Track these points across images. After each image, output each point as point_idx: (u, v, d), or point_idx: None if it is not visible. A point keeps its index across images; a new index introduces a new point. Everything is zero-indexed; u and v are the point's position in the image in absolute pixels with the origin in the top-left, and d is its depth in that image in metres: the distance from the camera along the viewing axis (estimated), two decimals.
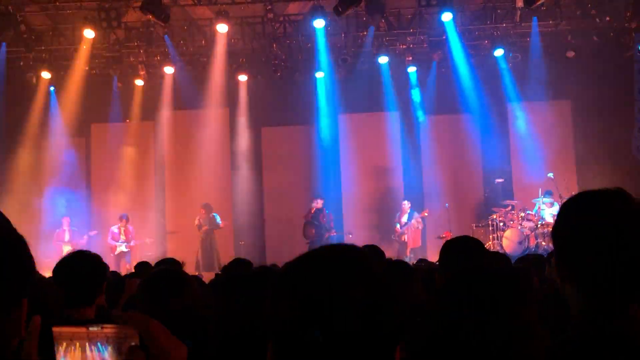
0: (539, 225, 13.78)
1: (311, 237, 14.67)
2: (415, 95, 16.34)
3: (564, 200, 1.85)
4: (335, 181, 16.37)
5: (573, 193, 1.86)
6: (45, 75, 15.49)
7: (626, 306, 1.59)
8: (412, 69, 16.10)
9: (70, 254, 3.31)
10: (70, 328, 1.22)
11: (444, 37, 14.83)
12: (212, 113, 16.27)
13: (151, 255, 14.39)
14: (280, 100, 16.18)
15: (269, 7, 14.27)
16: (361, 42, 15.33)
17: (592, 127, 14.92)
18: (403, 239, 14.99)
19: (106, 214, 15.52)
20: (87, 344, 1.22)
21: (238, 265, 4.44)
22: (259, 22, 15.03)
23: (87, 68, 15.42)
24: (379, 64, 15.77)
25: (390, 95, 16.28)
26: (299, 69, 16.15)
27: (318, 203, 14.78)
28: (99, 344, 1.22)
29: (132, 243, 14.96)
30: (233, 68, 15.81)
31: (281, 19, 14.99)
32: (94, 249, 3.95)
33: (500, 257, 3.93)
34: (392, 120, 16.56)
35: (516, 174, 15.98)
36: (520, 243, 13.67)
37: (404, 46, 15.60)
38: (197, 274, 11.51)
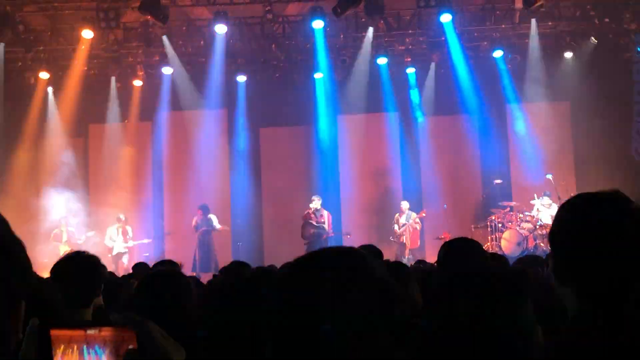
0: (537, 227, 13.79)
1: (309, 238, 14.65)
2: (414, 96, 16.34)
3: (563, 201, 1.86)
4: (334, 182, 16.36)
5: (572, 194, 1.86)
6: (44, 75, 15.49)
7: (623, 307, 1.59)
8: (411, 70, 16.10)
9: (67, 254, 3.31)
10: (68, 331, 1.22)
11: (443, 38, 14.84)
12: (211, 114, 16.27)
13: (149, 256, 14.40)
14: (278, 101, 16.17)
15: (268, 7, 14.27)
16: (360, 43, 15.33)
17: (590, 128, 14.94)
18: (402, 240, 14.99)
19: (104, 215, 15.49)
20: (84, 347, 1.22)
21: (236, 267, 4.44)
22: (258, 23, 15.03)
23: (85, 68, 15.41)
24: (377, 64, 15.77)
25: (389, 96, 16.28)
26: (297, 70, 16.15)
27: (316, 204, 14.77)
28: (96, 346, 1.21)
29: (130, 244, 14.95)
30: (232, 69, 15.80)
31: (280, 19, 14.99)
32: (92, 250, 3.95)
33: (499, 259, 3.94)
34: (391, 121, 16.57)
35: (515, 175, 15.99)
36: (518, 244, 13.68)
37: (403, 47, 15.61)
38: (194, 274, 11.52)
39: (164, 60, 15.53)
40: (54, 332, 1.23)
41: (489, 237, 14.31)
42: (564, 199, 1.56)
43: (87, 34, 14.16)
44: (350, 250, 1.33)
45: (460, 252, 3.34)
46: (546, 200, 14.06)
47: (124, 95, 16.32)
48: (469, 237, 3.73)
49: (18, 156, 15.59)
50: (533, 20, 14.58)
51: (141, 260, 10.68)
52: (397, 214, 15.22)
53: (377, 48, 15.38)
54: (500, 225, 14.28)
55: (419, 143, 16.47)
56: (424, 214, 15.03)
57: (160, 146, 16.77)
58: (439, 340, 1.56)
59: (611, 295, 1.60)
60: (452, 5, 13.84)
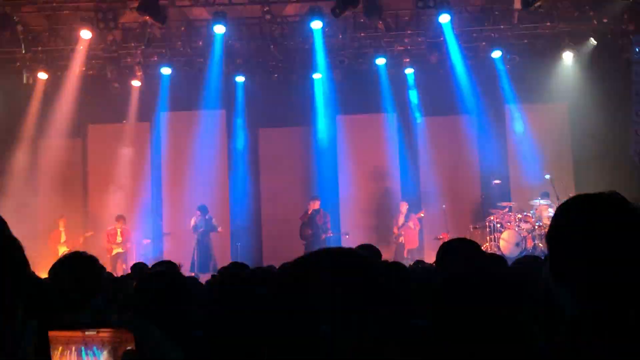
0: (536, 227, 13.79)
1: (308, 238, 14.66)
2: (413, 96, 16.35)
3: (561, 202, 1.86)
4: (333, 182, 16.36)
5: (570, 195, 1.87)
6: (42, 75, 15.48)
7: (619, 309, 1.59)
8: (409, 71, 16.11)
9: (66, 255, 3.30)
10: (66, 332, 1.22)
11: (441, 39, 14.84)
12: (209, 114, 16.27)
13: (148, 256, 14.40)
14: (277, 101, 16.16)
15: (267, 8, 14.26)
16: (359, 43, 15.34)
17: (589, 129, 14.95)
18: (400, 241, 15.00)
19: (103, 215, 15.50)
20: (82, 348, 1.22)
21: (235, 269, 4.44)
22: (257, 24, 15.03)
23: (83, 69, 15.40)
24: (376, 65, 15.79)
25: (388, 97, 16.29)
26: (296, 70, 16.15)
27: (315, 204, 14.77)
28: (94, 347, 1.21)
29: (128, 244, 14.95)
30: (230, 69, 15.80)
31: (279, 20, 14.99)
32: (91, 250, 3.94)
33: (497, 259, 3.93)
34: (390, 121, 16.56)
35: (513, 176, 15.99)
36: (517, 245, 13.68)
37: (402, 48, 15.61)
38: (192, 275, 11.52)
39: (163, 60, 15.52)
40: (52, 334, 1.23)
41: (488, 238, 14.31)
42: (563, 199, 1.56)
43: (86, 34, 14.17)
44: (349, 251, 1.33)
45: (458, 252, 3.35)
46: (545, 200, 14.07)
47: (123, 96, 16.30)
48: (468, 237, 3.73)
49: (16, 157, 15.57)
50: (532, 21, 14.58)
51: (140, 260, 10.69)
52: (396, 214, 15.23)
53: (376, 48, 15.39)
54: (499, 225, 14.28)
55: (417, 143, 16.47)
56: (422, 215, 15.03)
57: (159, 147, 16.77)
58: (437, 340, 1.56)
59: (608, 296, 1.60)
60: (451, 6, 13.85)
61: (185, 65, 15.78)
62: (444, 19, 14.07)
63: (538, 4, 12.87)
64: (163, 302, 3.18)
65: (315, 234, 14.59)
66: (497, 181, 15.07)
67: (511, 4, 14.23)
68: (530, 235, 13.78)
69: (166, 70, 15.76)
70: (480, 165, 16.05)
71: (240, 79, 16.26)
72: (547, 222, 13.44)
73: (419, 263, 7.46)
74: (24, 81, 15.49)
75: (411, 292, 3.69)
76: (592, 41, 14.86)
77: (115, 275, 11.81)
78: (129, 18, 14.38)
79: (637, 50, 14.23)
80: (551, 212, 13.60)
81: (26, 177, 15.45)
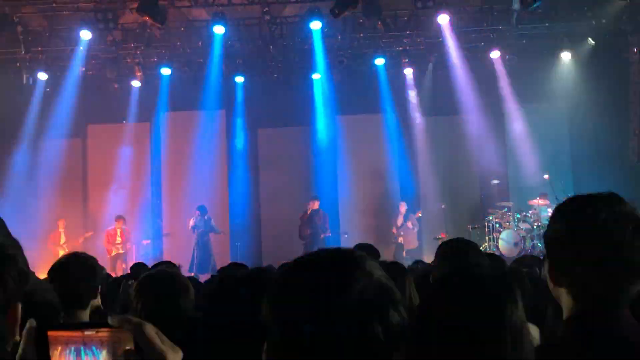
0: (534, 227, 13.80)
1: (307, 238, 14.67)
2: (412, 96, 16.36)
3: (559, 202, 1.86)
4: (332, 182, 16.36)
5: (569, 195, 1.87)
6: (42, 76, 15.49)
7: (617, 309, 1.60)
8: (408, 71, 16.11)
9: (65, 256, 3.31)
10: (65, 332, 1.23)
11: (440, 39, 14.85)
12: (209, 114, 16.28)
13: (147, 256, 14.40)
14: (276, 101, 16.17)
15: (266, 8, 14.27)
16: (358, 43, 15.35)
17: (588, 129, 14.96)
18: (399, 241, 15.01)
19: (102, 216, 15.50)
20: (81, 348, 1.22)
21: (233, 269, 4.44)
22: (256, 24, 15.04)
23: (83, 69, 15.40)
24: (375, 65, 15.79)
25: (387, 97, 16.29)
26: (295, 71, 16.16)
27: (314, 204, 14.78)
28: (93, 347, 1.22)
29: (128, 245, 14.95)
30: (230, 69, 15.82)
31: (278, 20, 14.99)
32: (90, 251, 3.95)
33: (495, 259, 3.95)
34: (389, 121, 16.56)
35: (512, 176, 15.99)
36: (516, 244, 13.69)
37: (401, 48, 15.61)
38: (192, 275, 11.51)
39: (162, 61, 15.53)
40: (51, 334, 1.23)
41: (487, 237, 14.32)
42: (561, 199, 1.57)
43: (86, 34, 14.18)
44: (348, 251, 1.34)
45: (457, 252, 3.36)
46: (543, 200, 14.08)
47: (122, 96, 16.31)
48: (467, 237, 3.74)
49: (16, 157, 15.57)
50: (530, 21, 14.59)
51: (139, 261, 10.69)
52: (395, 215, 15.24)
53: (375, 49, 15.39)
54: (497, 225, 14.29)
55: (416, 143, 16.47)
56: (419, 214, 15.04)
57: (159, 147, 16.78)
58: (434, 341, 1.56)
59: (605, 297, 1.60)
60: (450, 6, 13.85)
61: (184, 66, 15.78)
62: (443, 19, 14.09)
63: (536, 4, 12.86)
64: (162, 303, 3.19)
65: (314, 234, 14.60)
66: (495, 181, 15.08)
67: (510, 4, 14.22)
68: (529, 235, 13.79)
69: (166, 71, 15.77)
70: (479, 165, 16.04)
71: (239, 79, 16.27)
72: (546, 222, 13.43)
73: (418, 263, 7.48)
74: (24, 82, 15.50)
75: (410, 293, 3.69)
76: (591, 41, 14.87)
77: (114, 275, 11.82)
78: (128, 19, 14.39)
79: (635, 50, 14.24)
80: (550, 212, 13.60)
81: (26, 177, 15.45)
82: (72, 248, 13.63)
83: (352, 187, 16.33)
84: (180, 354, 1.25)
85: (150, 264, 6.82)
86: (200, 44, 15.32)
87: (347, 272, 1.25)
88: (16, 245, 1.32)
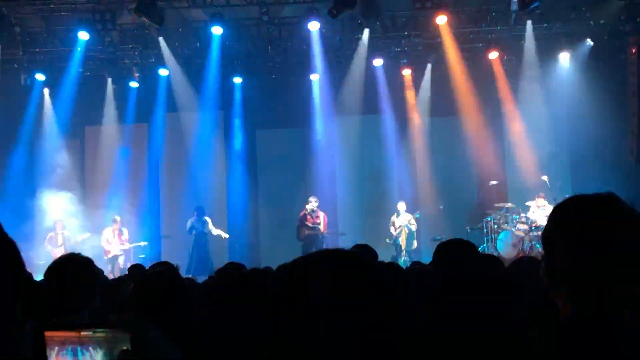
0: (533, 228, 13.80)
1: (304, 239, 14.65)
2: (410, 97, 16.36)
3: (558, 203, 1.86)
4: (330, 183, 16.35)
5: (567, 196, 1.87)
6: (40, 77, 15.49)
7: (615, 311, 1.59)
8: (406, 72, 16.12)
9: (61, 257, 3.30)
10: (62, 332, 1.22)
11: (438, 40, 14.86)
12: (207, 115, 16.28)
13: (145, 257, 14.39)
14: (275, 102, 16.17)
15: (264, 9, 14.27)
16: (356, 44, 15.34)
17: (586, 129, 14.95)
18: (398, 241, 14.99)
19: (100, 217, 15.47)
20: (78, 348, 1.22)
21: (231, 269, 4.44)
22: (254, 25, 15.04)
23: (81, 70, 15.40)
24: (373, 66, 15.80)
25: (385, 98, 16.30)
26: (293, 72, 16.15)
27: (313, 204, 14.77)
28: (90, 347, 1.22)
29: (126, 246, 14.93)
30: (228, 70, 15.81)
31: (276, 21, 14.99)
32: (88, 252, 3.94)
33: (493, 260, 3.94)
34: (387, 122, 16.56)
35: (510, 176, 16.00)
36: (514, 245, 13.69)
37: (399, 49, 15.63)
38: (190, 276, 11.51)
39: (160, 61, 15.52)
40: (49, 334, 1.23)
41: (485, 238, 14.32)
42: (560, 200, 1.56)
43: (83, 35, 14.18)
44: (348, 252, 1.34)
45: (454, 253, 3.35)
46: (542, 201, 14.08)
47: (120, 97, 16.31)
48: (465, 238, 3.74)
49: (14, 158, 15.56)
50: (528, 22, 14.60)
51: (137, 262, 10.67)
52: (393, 215, 15.23)
53: (373, 50, 15.39)
54: (496, 226, 14.29)
55: (414, 144, 16.48)
56: (417, 215, 15.04)
57: (157, 148, 16.76)
58: (433, 341, 1.56)
59: (603, 298, 1.60)
60: (448, 7, 13.86)
61: (182, 66, 15.77)
62: (441, 20, 14.09)
63: (534, 4, 12.87)
64: (161, 303, 3.18)
65: (313, 235, 14.59)
66: (494, 182, 15.07)
67: (508, 5, 14.23)
68: (527, 236, 13.78)
69: (164, 72, 15.76)
70: (477, 166, 16.04)
71: (237, 80, 16.27)
72: (544, 223, 13.43)
73: (416, 264, 7.45)
74: (22, 82, 15.49)
75: (408, 293, 3.70)
76: (589, 42, 14.88)
77: (112, 276, 11.82)
78: (126, 19, 14.37)
79: (633, 51, 14.25)
80: (548, 213, 13.58)
81: (23, 178, 15.43)
82: (70, 249, 13.61)
83: (351, 188, 16.33)
84: (178, 354, 1.24)
85: (147, 265, 6.81)
86: (198, 44, 15.32)
87: (348, 274, 1.25)
88: (13, 246, 1.32)
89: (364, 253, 4.46)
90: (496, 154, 16.00)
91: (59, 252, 14.02)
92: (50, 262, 3.40)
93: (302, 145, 16.59)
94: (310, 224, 14.60)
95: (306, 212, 14.72)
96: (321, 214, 14.74)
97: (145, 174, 16.74)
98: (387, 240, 14.98)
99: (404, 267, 7.38)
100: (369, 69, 15.84)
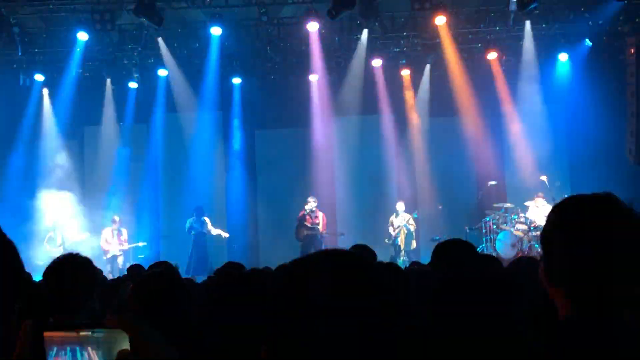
0: (532, 228, 13.80)
1: (303, 239, 14.67)
2: (409, 98, 16.36)
3: (556, 203, 1.86)
4: (329, 183, 16.36)
5: (566, 196, 1.87)
6: (39, 77, 15.48)
7: (615, 311, 1.60)
8: (405, 72, 16.12)
9: (60, 257, 3.30)
10: (61, 333, 1.23)
11: (437, 40, 14.86)
12: (206, 115, 16.27)
13: (144, 258, 14.39)
14: (274, 102, 16.18)
15: (263, 10, 14.27)
16: (355, 45, 15.34)
17: (585, 130, 14.97)
18: (397, 241, 15.00)
19: (99, 217, 15.47)
20: (77, 348, 1.22)
21: (230, 269, 4.44)
22: (253, 25, 15.03)
23: (80, 70, 15.39)
24: (372, 66, 15.80)
25: (384, 98, 16.30)
26: (292, 72, 16.15)
27: (311, 204, 14.78)
28: (89, 348, 1.22)
29: (125, 246, 14.93)
30: (227, 71, 15.81)
31: (275, 22, 14.99)
32: (87, 252, 3.94)
33: (491, 260, 3.95)
34: (386, 122, 16.56)
35: (509, 177, 16.00)
36: (513, 246, 13.70)
37: (398, 49, 15.63)
38: (189, 276, 11.51)
39: (159, 62, 15.52)
40: (47, 334, 1.23)
41: (484, 239, 14.32)
42: (558, 200, 1.56)
43: (83, 36, 14.17)
44: (347, 253, 1.34)
45: (453, 254, 3.35)
46: (540, 201, 14.09)
47: (119, 98, 16.31)
48: (464, 238, 3.74)
49: (13, 158, 15.56)
50: (527, 22, 14.60)
51: (136, 262, 10.67)
52: (392, 216, 15.23)
53: (372, 50, 15.39)
54: (495, 226, 14.29)
55: (413, 145, 16.47)
56: (415, 215, 15.04)
57: (156, 148, 16.76)
58: (433, 341, 1.57)
59: (601, 298, 1.60)
60: (447, 8, 13.86)
61: (182, 67, 15.77)
62: (440, 20, 14.09)
63: (533, 5, 12.88)
64: (160, 303, 3.18)
65: (311, 235, 14.60)
66: (493, 182, 15.08)
67: (507, 5, 14.24)
68: (526, 236, 13.79)
69: (163, 72, 15.75)
70: (476, 166, 16.05)
71: (236, 80, 16.26)
72: (543, 223, 13.41)
73: (415, 264, 7.46)
74: (21, 83, 15.48)
75: (408, 293, 3.70)
76: (588, 42, 14.89)
77: (111, 277, 11.82)
78: (125, 20, 14.37)
79: (632, 51, 14.25)
80: (547, 213, 13.59)
81: (22, 178, 15.43)
82: (69, 249, 13.59)
83: (350, 188, 16.32)
84: (175, 354, 1.25)
85: (147, 265, 6.81)
86: (197, 45, 15.31)
87: (348, 275, 1.25)
88: (11, 246, 1.32)
89: (362, 253, 4.46)
90: (495, 154, 16.00)
91: (57, 252, 14.01)
92: (49, 261, 3.40)
93: (301, 145, 16.58)
94: (309, 224, 14.61)
95: (305, 212, 14.73)
96: (320, 214, 14.75)
97: (144, 174, 16.73)
98: (386, 240, 14.99)
99: (402, 267, 7.38)
100: (368, 70, 15.84)
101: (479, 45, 15.42)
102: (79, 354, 1.23)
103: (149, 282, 3.32)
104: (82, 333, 1.22)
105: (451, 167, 15.91)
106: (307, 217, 14.69)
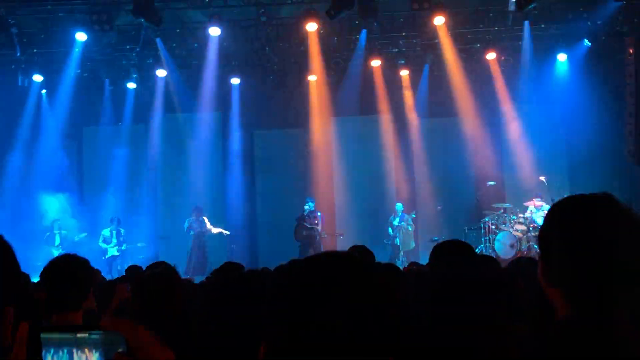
0: (530, 229, 13.81)
1: (302, 240, 14.68)
2: (408, 98, 16.37)
3: (554, 203, 1.86)
4: (328, 184, 16.37)
5: (564, 196, 1.86)
6: (37, 78, 15.47)
7: (614, 311, 1.59)
8: (404, 72, 16.12)
9: (57, 258, 3.29)
10: (58, 334, 1.22)
11: (436, 41, 14.86)
12: (205, 116, 16.27)
13: (142, 258, 14.37)
14: (273, 103, 16.18)
15: (262, 10, 14.26)
16: (354, 45, 15.34)
17: (584, 130, 14.98)
18: (396, 242, 15.01)
19: (98, 218, 15.48)
20: (74, 350, 1.22)
21: (229, 269, 4.44)
22: (252, 26, 15.02)
23: (79, 71, 15.38)
24: (371, 67, 15.80)
25: (383, 99, 16.30)
26: (291, 72, 16.15)
27: (310, 205, 14.79)
28: (86, 349, 1.22)
29: (123, 246, 14.93)
30: (226, 71, 15.80)
31: (274, 22, 14.99)
32: (86, 253, 3.93)
33: (489, 261, 3.94)
34: (385, 123, 16.57)
35: (508, 177, 16.01)
36: (512, 246, 13.70)
37: (397, 49, 15.63)
38: (188, 277, 11.51)
39: (158, 62, 15.51)
40: (44, 336, 1.23)
41: (483, 239, 14.33)
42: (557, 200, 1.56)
43: (81, 36, 14.16)
44: (346, 254, 1.35)
45: (451, 254, 3.35)
46: (539, 202, 14.09)
47: (118, 98, 16.31)
48: (463, 239, 3.74)
49: (11, 159, 15.55)
50: (526, 23, 14.60)
51: (135, 263, 10.66)
52: (391, 216, 15.25)
53: (371, 50, 15.40)
54: (493, 227, 14.30)
55: (412, 145, 16.48)
56: (413, 215, 15.06)
57: (155, 148, 16.75)
58: (429, 340, 1.57)
59: (598, 299, 1.60)
60: (445, 8, 13.87)
61: (180, 67, 15.77)
62: (439, 20, 14.09)
63: (532, 5, 12.89)
64: (158, 304, 3.18)
65: (310, 235, 14.61)
66: (491, 183, 15.09)
67: (505, 5, 14.23)
68: (524, 236, 13.80)
69: (161, 73, 15.75)
70: (475, 167, 16.06)
71: (235, 80, 16.26)
72: (541, 223, 13.43)
73: (414, 264, 7.46)
74: (19, 83, 15.47)
75: (405, 294, 3.70)
76: (586, 42, 14.90)
77: (110, 277, 11.80)
78: (124, 20, 14.36)
79: (630, 51, 14.27)
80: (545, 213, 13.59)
81: (21, 179, 15.43)
82: (67, 249, 13.62)
83: (348, 189, 16.33)
84: (172, 356, 1.24)
85: (145, 266, 6.81)
86: (195, 45, 15.31)
87: (347, 276, 1.26)
88: (8, 248, 1.32)
89: (361, 254, 4.46)
90: (494, 154, 16.01)
91: (56, 252, 14.03)
92: (47, 262, 3.39)
93: (300, 145, 16.59)
94: (308, 225, 14.62)
95: (304, 213, 14.74)
96: (319, 215, 14.76)
97: (143, 174, 16.73)
98: (385, 240, 15.00)
99: (401, 267, 7.38)
100: (367, 70, 15.85)
101: (478, 45, 15.42)
102: (75, 356, 1.22)
103: (148, 282, 3.32)
104: (78, 335, 1.21)
105: (450, 168, 15.93)
106: (306, 217, 14.71)
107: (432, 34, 14.75)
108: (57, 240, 14.85)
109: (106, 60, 15.41)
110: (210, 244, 15.16)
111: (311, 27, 14.23)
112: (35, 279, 3.98)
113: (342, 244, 14.41)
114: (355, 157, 16.42)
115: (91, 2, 13.73)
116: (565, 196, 1.82)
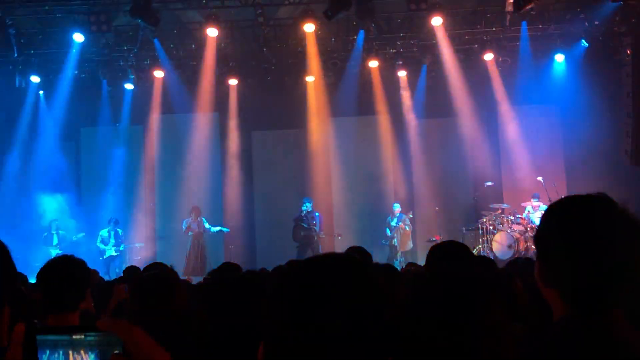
0: (528, 229, 13.82)
1: (300, 240, 14.68)
2: (405, 98, 16.37)
3: (551, 203, 1.86)
4: (326, 184, 16.35)
5: (562, 197, 1.87)
6: (35, 79, 15.46)
7: (607, 311, 1.59)
8: (402, 73, 16.12)
9: (54, 258, 3.29)
10: (54, 336, 1.22)
11: (433, 41, 14.87)
12: (202, 117, 16.25)
13: (140, 259, 14.37)
14: (270, 104, 16.16)
15: (259, 11, 14.25)
16: (351, 46, 15.35)
17: (581, 130, 14.99)
18: (393, 242, 15.01)
19: (96, 218, 15.47)
20: (70, 352, 1.21)
21: (226, 270, 4.44)
22: (249, 26, 15.02)
23: (76, 72, 15.37)
24: (369, 67, 15.80)
25: (380, 99, 16.30)
26: (289, 73, 16.15)
27: (308, 206, 14.79)
28: (82, 351, 1.21)
29: (121, 247, 14.92)
30: (223, 72, 15.78)
31: (271, 22, 14.99)
32: (84, 253, 3.93)
33: (486, 261, 3.95)
34: (382, 123, 16.56)
35: (506, 178, 16.02)
36: (509, 246, 13.71)
37: (394, 50, 15.64)
38: (185, 278, 11.50)
39: (155, 63, 15.50)
40: (40, 338, 1.22)
41: (480, 240, 14.34)
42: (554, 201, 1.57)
43: (78, 37, 14.16)
44: (344, 255, 1.35)
45: (448, 255, 3.35)
46: (537, 202, 14.11)
47: (116, 99, 16.29)
48: (460, 239, 3.75)
49: (9, 160, 15.53)
50: (523, 23, 14.62)
51: (133, 263, 10.67)
52: (389, 217, 15.25)
53: (368, 51, 15.40)
54: (491, 227, 14.31)
55: (410, 146, 16.47)
56: (410, 215, 15.06)
57: (152, 149, 16.74)
58: (425, 342, 1.56)
59: (595, 299, 1.60)
60: (443, 9, 13.87)
61: (178, 68, 15.76)
62: (436, 21, 14.10)
63: (529, 6, 12.90)
64: (156, 305, 3.18)
65: (308, 236, 14.61)
66: (489, 183, 15.10)
67: (503, 6, 14.25)
68: (522, 237, 13.81)
69: (159, 73, 15.74)
70: (472, 167, 16.07)
71: (233, 81, 16.24)
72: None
73: (411, 265, 7.47)
74: (17, 84, 15.45)
75: (403, 295, 3.69)
76: (584, 43, 14.92)
77: (107, 278, 11.79)
78: (121, 21, 14.36)
79: (628, 51, 14.29)
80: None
81: (19, 179, 15.42)
82: (65, 250, 13.62)
83: (346, 189, 16.33)
84: (168, 357, 1.24)
85: (143, 267, 6.80)
86: (193, 46, 15.31)
87: (346, 277, 1.26)
88: (3, 248, 1.31)
89: (358, 255, 4.46)
90: (491, 155, 16.01)
91: (54, 253, 14.02)
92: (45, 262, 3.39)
93: (297, 146, 16.58)
94: (306, 225, 14.62)
95: (302, 214, 14.74)
96: (317, 215, 14.76)
97: (140, 175, 16.72)
98: (383, 241, 15.00)
99: (399, 268, 7.38)
100: (364, 71, 15.85)
101: (475, 46, 15.42)
102: (71, 357, 1.22)
103: (146, 283, 3.32)
104: (75, 336, 1.21)
105: (448, 168, 15.93)
106: (304, 218, 14.70)
107: (430, 35, 14.76)
108: (55, 241, 14.84)
109: (104, 61, 15.40)
110: (209, 244, 15.16)
111: (309, 27, 14.23)
112: (33, 279, 3.98)
113: (340, 245, 14.41)
114: (353, 158, 16.41)
115: (89, 2, 13.72)
116: (562, 197, 1.83)
